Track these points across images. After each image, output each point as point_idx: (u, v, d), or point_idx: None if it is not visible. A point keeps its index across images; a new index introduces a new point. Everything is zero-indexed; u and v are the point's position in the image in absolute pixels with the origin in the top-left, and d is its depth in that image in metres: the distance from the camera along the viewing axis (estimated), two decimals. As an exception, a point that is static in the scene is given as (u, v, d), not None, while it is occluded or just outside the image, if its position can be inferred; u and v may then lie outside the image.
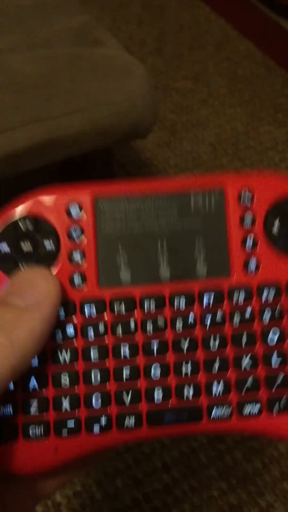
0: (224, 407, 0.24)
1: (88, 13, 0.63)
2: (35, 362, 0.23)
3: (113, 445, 0.24)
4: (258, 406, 0.24)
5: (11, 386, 0.23)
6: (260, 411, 0.24)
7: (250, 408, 0.24)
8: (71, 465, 0.24)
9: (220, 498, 0.62)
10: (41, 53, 0.54)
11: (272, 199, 0.25)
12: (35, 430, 0.23)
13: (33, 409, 0.23)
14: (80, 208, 0.24)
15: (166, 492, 0.62)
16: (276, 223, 0.24)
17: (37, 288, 0.22)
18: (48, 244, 0.24)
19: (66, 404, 0.23)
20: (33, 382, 0.23)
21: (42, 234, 0.24)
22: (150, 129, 0.58)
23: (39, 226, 0.24)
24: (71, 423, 0.23)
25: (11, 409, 0.23)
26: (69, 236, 0.24)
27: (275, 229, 0.24)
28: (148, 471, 0.63)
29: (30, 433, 0.23)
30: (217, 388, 0.24)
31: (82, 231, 0.24)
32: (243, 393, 0.24)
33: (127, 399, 0.23)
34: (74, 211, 0.24)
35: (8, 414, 0.23)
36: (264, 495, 0.63)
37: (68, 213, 0.24)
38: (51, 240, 0.24)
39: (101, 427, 0.23)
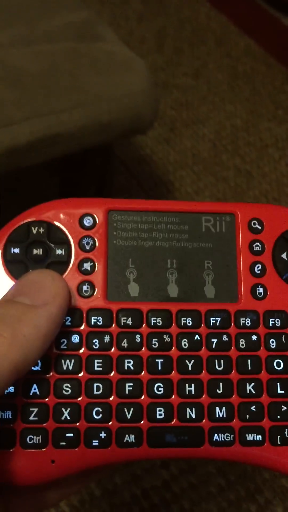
0: (226, 433, 0.23)
1: (88, 8, 0.63)
2: (37, 367, 0.23)
3: (112, 462, 0.23)
4: (260, 435, 0.23)
5: (11, 389, 0.22)
6: (263, 441, 0.23)
7: (253, 437, 0.23)
8: (72, 478, 0.23)
9: (218, 495, 0.63)
10: (42, 48, 0.54)
11: (282, 230, 0.25)
12: (33, 439, 0.22)
13: (32, 416, 0.22)
14: (94, 220, 0.24)
15: (165, 489, 0.62)
16: (284, 255, 0.25)
17: (45, 288, 0.21)
18: (60, 251, 0.24)
19: (66, 414, 0.22)
20: (34, 388, 0.22)
21: (54, 241, 0.24)
22: (150, 125, 0.58)
23: (51, 232, 0.24)
24: (69, 435, 0.22)
25: (10, 414, 0.22)
26: (81, 245, 0.24)
27: (283, 261, 0.25)
28: (147, 468, 0.63)
29: (28, 442, 0.22)
30: (220, 412, 0.23)
31: (94, 242, 0.24)
32: (246, 420, 0.23)
33: (128, 414, 0.23)
34: (87, 222, 0.24)
35: (6, 419, 0.22)
36: (263, 492, 0.63)
37: (81, 224, 0.24)
38: (62, 248, 0.24)
39: (100, 442, 0.22)
